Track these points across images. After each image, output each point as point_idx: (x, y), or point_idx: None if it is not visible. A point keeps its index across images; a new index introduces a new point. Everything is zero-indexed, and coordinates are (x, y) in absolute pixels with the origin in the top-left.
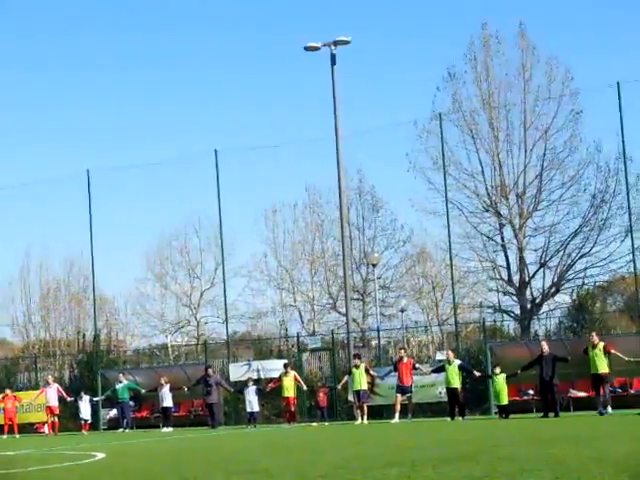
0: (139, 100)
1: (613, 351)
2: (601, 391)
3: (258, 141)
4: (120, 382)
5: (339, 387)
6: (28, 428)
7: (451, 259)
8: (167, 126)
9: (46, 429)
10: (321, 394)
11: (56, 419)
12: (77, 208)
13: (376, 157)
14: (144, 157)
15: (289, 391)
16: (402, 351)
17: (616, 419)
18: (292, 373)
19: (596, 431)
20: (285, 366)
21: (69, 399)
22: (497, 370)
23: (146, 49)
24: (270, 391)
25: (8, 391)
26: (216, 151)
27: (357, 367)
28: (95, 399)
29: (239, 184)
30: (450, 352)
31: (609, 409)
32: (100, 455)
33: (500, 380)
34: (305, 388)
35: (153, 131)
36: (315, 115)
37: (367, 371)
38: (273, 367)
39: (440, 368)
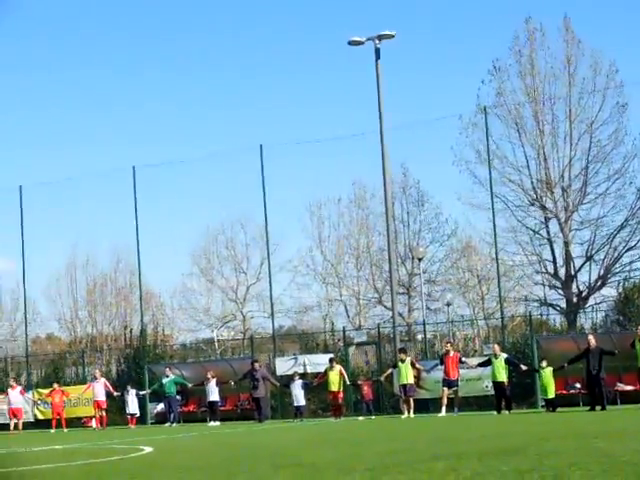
0: (185, 96)
1: None
2: None
3: (303, 136)
4: (167, 376)
5: (382, 379)
6: (76, 422)
7: (497, 253)
8: (213, 121)
9: (94, 423)
10: (365, 387)
11: (104, 413)
12: (124, 204)
13: (421, 151)
14: (190, 152)
15: (335, 385)
16: (448, 345)
17: None
18: (338, 367)
19: None
20: (331, 360)
21: (116, 394)
22: (544, 364)
23: (192, 45)
24: (316, 385)
25: (56, 385)
26: (261, 146)
27: (403, 361)
28: (141, 393)
29: (285, 179)
30: (496, 346)
31: None
32: (148, 449)
33: (547, 373)
34: (348, 382)
35: (199, 127)
36: (360, 110)
37: (413, 365)
38: (319, 361)
39: (486, 362)
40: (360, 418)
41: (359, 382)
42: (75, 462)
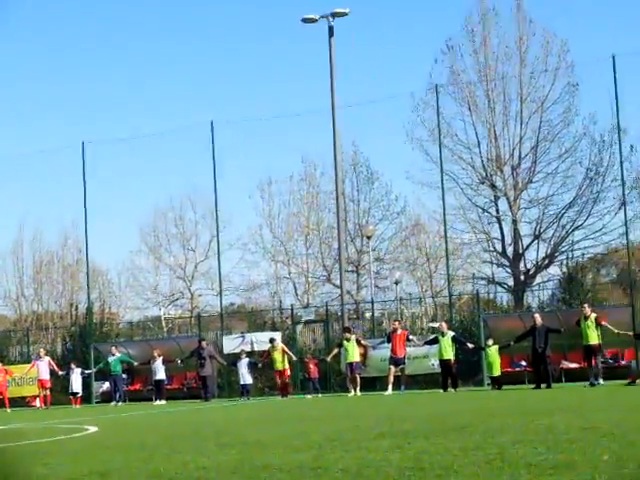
0: (135, 71)
1: (604, 323)
2: (593, 362)
3: (255, 113)
4: (113, 355)
5: (328, 358)
6: (20, 402)
7: (445, 231)
8: (163, 98)
9: (38, 403)
10: (311, 365)
11: (48, 392)
12: (71, 180)
13: (372, 129)
14: (140, 129)
15: (280, 364)
16: (396, 323)
17: (607, 390)
18: (280, 346)
19: (587, 402)
20: (272, 340)
21: (60, 373)
22: (490, 342)
23: (142, 20)
24: (263, 365)
25: (0, 365)
26: (212, 123)
27: (348, 340)
28: (87, 372)
29: (235, 156)
30: (444, 324)
31: (600, 380)
32: (92, 428)
33: (493, 351)
34: (295, 359)
35: (149, 103)
36: (312, 87)
37: (359, 343)
38: (266, 339)
39: (433, 340)
40: (307, 396)
41: (306, 360)
42: (19, 442)
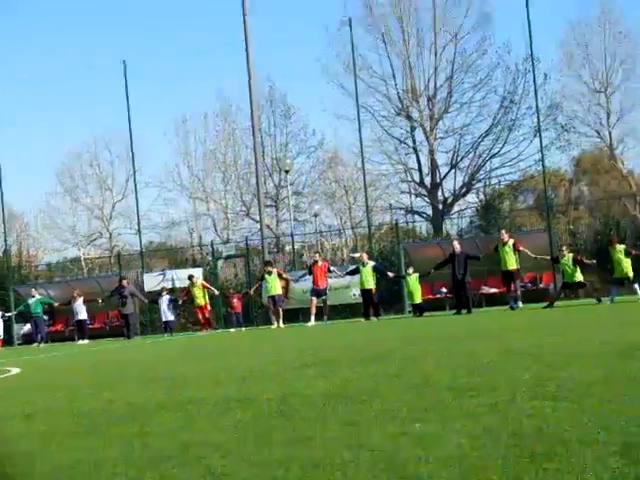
0: (44, 10)
1: (522, 248)
2: (512, 287)
3: (167, 50)
4: (33, 297)
5: (251, 292)
6: None
7: (363, 163)
8: (75, 38)
9: None
10: (235, 300)
11: None
12: None
13: (287, 64)
14: (51, 69)
15: (200, 299)
16: (316, 255)
17: (526, 313)
18: (199, 282)
19: (507, 326)
20: (190, 277)
21: None
22: (410, 270)
23: None
24: (183, 302)
25: None
26: (124, 61)
27: (270, 273)
28: (7, 315)
29: (149, 94)
30: (364, 254)
31: (520, 304)
32: (15, 370)
33: (413, 279)
34: (216, 293)
35: (60, 43)
36: (225, 21)
37: (280, 276)
38: (187, 276)
39: (354, 270)
40: (232, 330)
41: (228, 295)
42: None
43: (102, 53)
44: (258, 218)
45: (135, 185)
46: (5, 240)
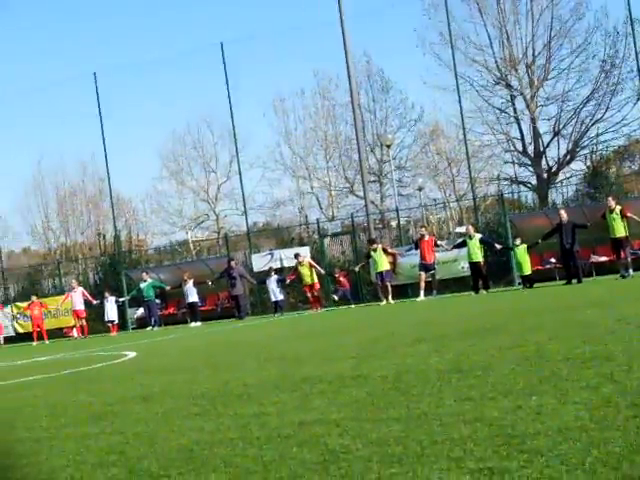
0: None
1: (630, 214)
2: (622, 254)
3: (263, 30)
4: (144, 281)
5: (357, 269)
6: (57, 333)
7: (465, 134)
8: (173, 22)
9: (75, 333)
10: (342, 278)
11: (84, 322)
12: (87, 111)
13: (383, 37)
14: (151, 55)
15: (308, 278)
16: (423, 229)
17: (638, 281)
18: (306, 260)
19: (619, 294)
20: (296, 256)
21: (95, 302)
22: (517, 241)
23: None
24: (290, 282)
25: (34, 298)
26: (222, 44)
27: (375, 250)
28: (121, 300)
29: (248, 75)
30: (470, 227)
31: (631, 271)
32: (131, 354)
33: (521, 251)
34: (323, 272)
35: (159, 29)
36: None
37: (386, 251)
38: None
39: (461, 243)
40: (334, 297)
41: (335, 274)
42: (60, 372)
43: (200, 35)
44: (362, 194)
45: (239, 166)
46: (114, 226)
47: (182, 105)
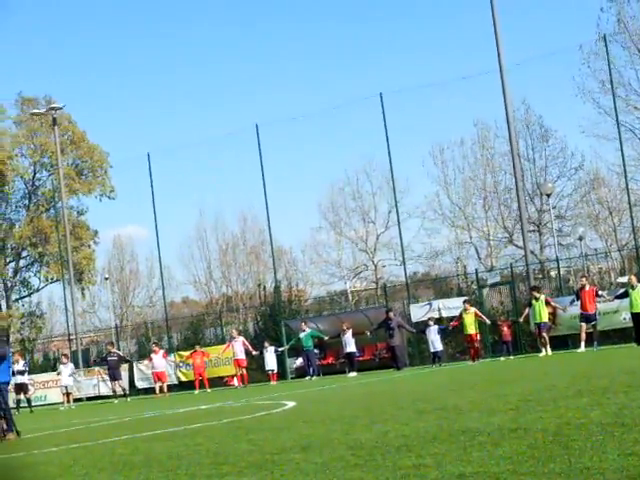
0: (304, 50)
1: None
2: None
3: (422, 80)
4: (303, 331)
5: (521, 320)
6: (218, 382)
7: (627, 182)
8: (332, 73)
9: (235, 382)
10: (505, 328)
11: (244, 371)
12: (247, 163)
13: (542, 86)
14: (310, 106)
15: (471, 328)
16: (583, 279)
17: None
18: (472, 310)
19: None
20: (464, 302)
21: (254, 353)
22: None
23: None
24: (452, 329)
25: (197, 347)
26: (381, 94)
27: (537, 299)
28: (280, 349)
29: (406, 125)
30: (633, 277)
31: None
32: (290, 404)
33: None
34: (488, 322)
35: (318, 80)
36: (477, 50)
37: (547, 303)
38: (454, 305)
39: (624, 294)
40: (501, 359)
41: (498, 323)
42: (221, 420)
43: (360, 86)
44: (522, 244)
45: (398, 216)
46: (275, 276)
47: (341, 155)
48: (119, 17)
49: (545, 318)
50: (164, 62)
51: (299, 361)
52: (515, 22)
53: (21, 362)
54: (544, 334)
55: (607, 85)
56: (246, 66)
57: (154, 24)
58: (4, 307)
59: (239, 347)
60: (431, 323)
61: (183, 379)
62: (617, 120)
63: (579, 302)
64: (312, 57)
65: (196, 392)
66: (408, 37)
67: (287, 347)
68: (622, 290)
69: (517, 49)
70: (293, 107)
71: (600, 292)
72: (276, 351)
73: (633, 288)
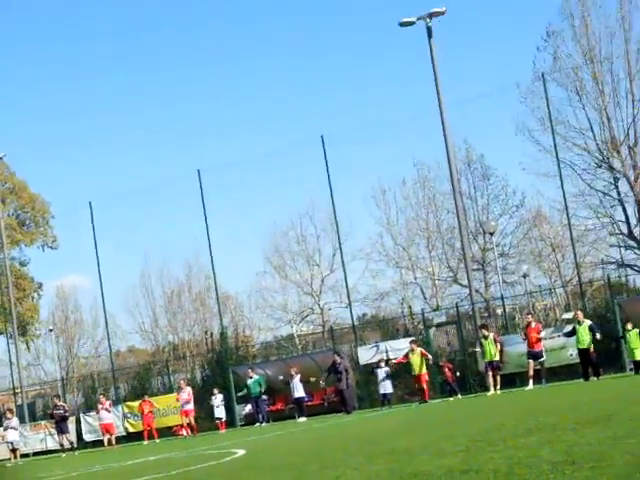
0: (244, 95)
1: None
2: None
3: (362, 122)
4: (250, 377)
5: (477, 349)
6: (167, 432)
7: (569, 219)
8: (270, 119)
9: (184, 432)
10: (446, 370)
11: (192, 421)
12: (190, 209)
13: (482, 125)
14: (251, 151)
15: (417, 368)
16: (529, 316)
17: None
18: (419, 350)
19: None
20: (411, 342)
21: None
22: (629, 326)
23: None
24: (396, 367)
25: (145, 397)
26: (322, 137)
27: (486, 337)
28: (240, 394)
29: (347, 167)
30: (579, 312)
31: None
32: (240, 452)
33: (633, 335)
34: (429, 357)
35: (257, 125)
36: (417, 89)
37: (495, 341)
38: (401, 346)
39: (572, 331)
40: (450, 399)
41: (441, 364)
42: (170, 472)
43: (301, 129)
44: (466, 283)
45: (342, 258)
46: (221, 322)
47: (285, 199)
48: (52, 63)
49: (496, 356)
50: (104, 110)
51: (248, 408)
52: (454, 61)
53: None
54: (497, 372)
55: (546, 123)
56: (186, 111)
57: (89, 72)
58: None
59: (186, 397)
60: (382, 364)
61: (131, 430)
62: (557, 157)
63: (526, 340)
64: (253, 101)
65: (145, 443)
66: (349, 79)
67: (240, 395)
68: (570, 327)
69: (457, 89)
70: (235, 152)
71: (542, 334)
72: (224, 399)
73: (580, 324)
